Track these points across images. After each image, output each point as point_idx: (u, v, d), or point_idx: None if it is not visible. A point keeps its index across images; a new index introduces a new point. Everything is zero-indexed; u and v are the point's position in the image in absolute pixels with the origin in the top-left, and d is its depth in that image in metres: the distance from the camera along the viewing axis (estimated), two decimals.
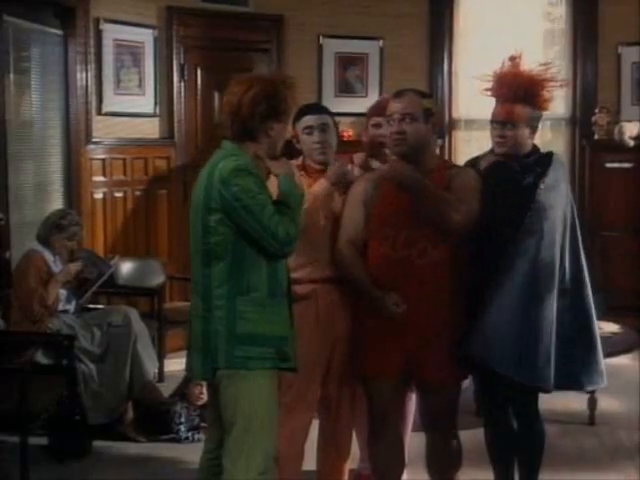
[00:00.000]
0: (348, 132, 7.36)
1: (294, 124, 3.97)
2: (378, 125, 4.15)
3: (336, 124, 4.07)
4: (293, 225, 3.26)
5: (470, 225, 3.59)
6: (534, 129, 3.87)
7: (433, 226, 3.58)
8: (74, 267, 5.36)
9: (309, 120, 3.93)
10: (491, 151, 3.94)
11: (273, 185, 3.79)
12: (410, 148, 3.62)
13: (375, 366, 3.68)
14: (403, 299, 3.54)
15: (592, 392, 5.32)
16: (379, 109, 4.12)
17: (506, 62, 3.93)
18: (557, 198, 3.78)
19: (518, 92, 3.80)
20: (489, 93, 3.93)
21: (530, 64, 3.89)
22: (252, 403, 3.23)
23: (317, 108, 4.10)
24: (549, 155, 3.87)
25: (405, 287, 3.57)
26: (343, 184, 3.88)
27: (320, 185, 3.86)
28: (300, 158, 4.04)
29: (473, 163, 3.97)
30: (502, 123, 3.81)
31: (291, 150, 3.98)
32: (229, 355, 3.23)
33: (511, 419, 3.94)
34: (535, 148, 3.91)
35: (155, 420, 5.28)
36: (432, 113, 3.67)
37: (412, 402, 4.19)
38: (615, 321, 5.98)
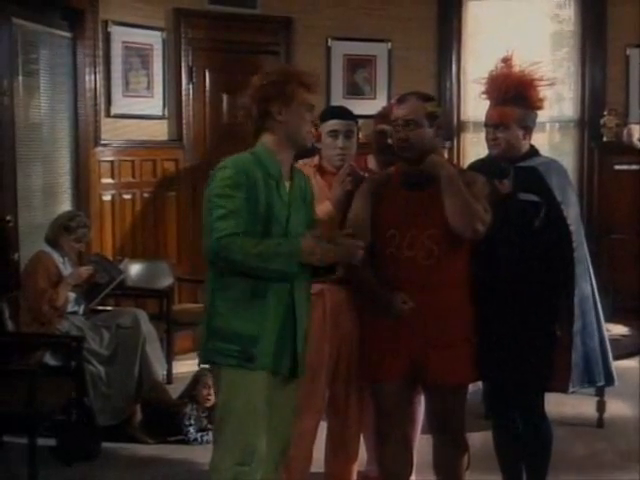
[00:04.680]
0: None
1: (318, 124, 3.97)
2: (383, 132, 4.15)
3: (359, 129, 4.07)
4: (240, 254, 3.10)
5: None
6: (528, 130, 3.86)
7: (444, 227, 3.56)
8: (85, 271, 5.37)
9: (335, 124, 3.93)
10: (489, 154, 3.94)
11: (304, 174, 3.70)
12: (416, 153, 3.61)
13: (382, 368, 3.68)
14: (409, 299, 3.54)
15: (601, 395, 5.32)
16: (384, 117, 4.12)
17: (499, 63, 3.93)
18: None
19: (508, 93, 3.80)
20: (484, 96, 3.93)
21: (525, 64, 3.88)
22: (228, 396, 3.27)
23: (345, 113, 4.05)
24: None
25: (411, 288, 3.57)
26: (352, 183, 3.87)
27: (326, 208, 3.86)
28: (316, 157, 4.04)
29: (476, 166, 3.97)
30: (494, 126, 3.81)
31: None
32: (205, 347, 3.31)
33: (519, 421, 3.94)
34: (533, 149, 3.90)
35: (164, 422, 5.29)
36: (436, 116, 3.66)
37: (421, 404, 4.19)
38: (623, 323, 5.98)
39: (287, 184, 3.34)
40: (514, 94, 3.80)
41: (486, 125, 3.88)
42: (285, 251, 3.16)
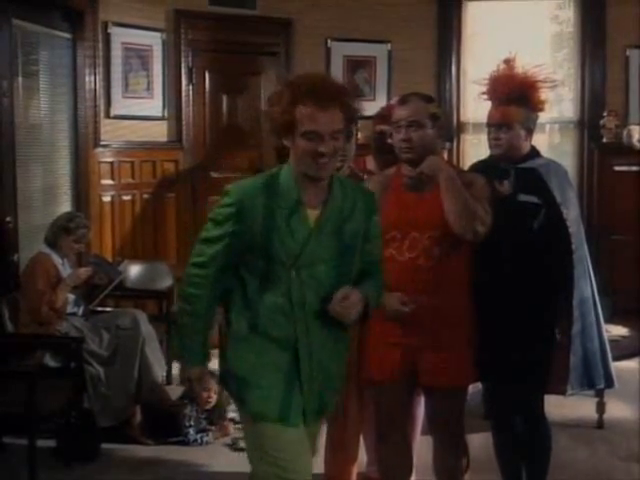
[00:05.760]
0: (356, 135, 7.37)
1: None
2: (382, 132, 4.14)
3: (357, 130, 4.06)
4: (182, 290, 2.99)
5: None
6: (530, 131, 3.85)
7: (444, 229, 3.56)
8: (84, 272, 5.37)
9: None
10: (491, 155, 3.93)
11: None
12: (418, 155, 3.61)
13: (382, 369, 3.67)
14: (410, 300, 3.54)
15: (601, 396, 5.32)
16: (383, 117, 4.11)
17: (501, 65, 3.92)
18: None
19: (512, 94, 3.80)
20: (486, 97, 3.93)
21: (527, 65, 3.88)
22: (247, 444, 3.10)
23: None
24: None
25: (411, 290, 3.56)
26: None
27: None
28: None
29: (477, 167, 3.97)
30: (497, 126, 3.80)
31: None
32: (222, 377, 3.20)
33: (518, 422, 3.94)
34: (534, 150, 3.90)
35: (163, 423, 5.28)
36: (438, 117, 3.66)
37: (420, 405, 4.18)
38: (623, 324, 5.98)
39: (313, 212, 2.92)
40: (517, 95, 3.79)
41: (488, 125, 3.87)
42: (184, 335, 2.99)
